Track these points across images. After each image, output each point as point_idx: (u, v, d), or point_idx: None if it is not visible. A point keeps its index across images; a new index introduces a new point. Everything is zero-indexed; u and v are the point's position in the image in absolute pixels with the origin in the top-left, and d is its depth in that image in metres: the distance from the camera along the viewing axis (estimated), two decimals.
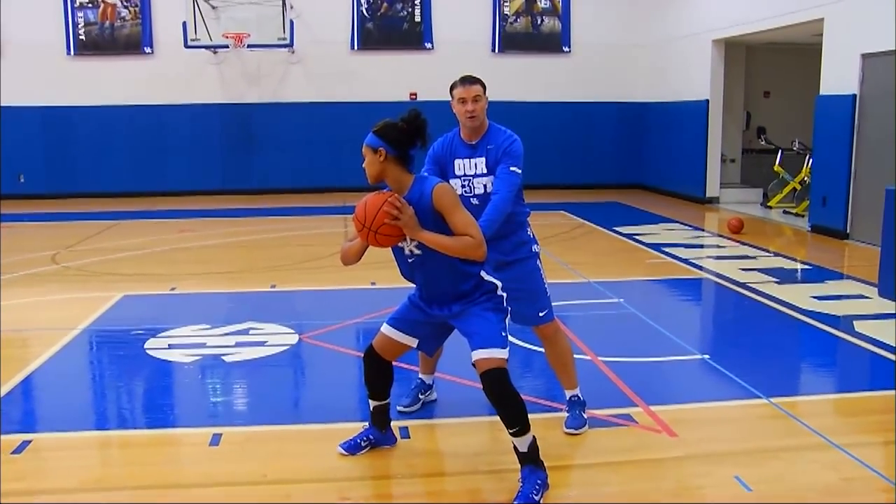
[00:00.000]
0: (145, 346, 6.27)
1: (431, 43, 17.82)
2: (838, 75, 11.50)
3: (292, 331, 6.65)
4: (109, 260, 10.09)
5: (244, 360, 5.93)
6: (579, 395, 4.68)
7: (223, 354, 6.04)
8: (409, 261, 3.94)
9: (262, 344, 6.33)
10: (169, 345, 6.31)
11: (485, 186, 4.46)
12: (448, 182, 4.20)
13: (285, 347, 6.27)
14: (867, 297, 7.87)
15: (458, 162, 4.50)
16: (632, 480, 3.99)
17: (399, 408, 4.81)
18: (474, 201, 4.47)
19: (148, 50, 17.22)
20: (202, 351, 6.14)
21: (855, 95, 11.12)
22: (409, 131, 3.81)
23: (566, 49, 18.21)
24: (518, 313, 4.47)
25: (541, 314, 4.57)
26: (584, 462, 4.24)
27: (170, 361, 5.95)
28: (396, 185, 3.82)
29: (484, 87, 4.48)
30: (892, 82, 10.40)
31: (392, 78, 17.62)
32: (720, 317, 8.09)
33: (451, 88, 4.50)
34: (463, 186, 4.48)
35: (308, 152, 17.67)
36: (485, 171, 4.45)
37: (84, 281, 8.93)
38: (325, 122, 17.59)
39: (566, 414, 4.64)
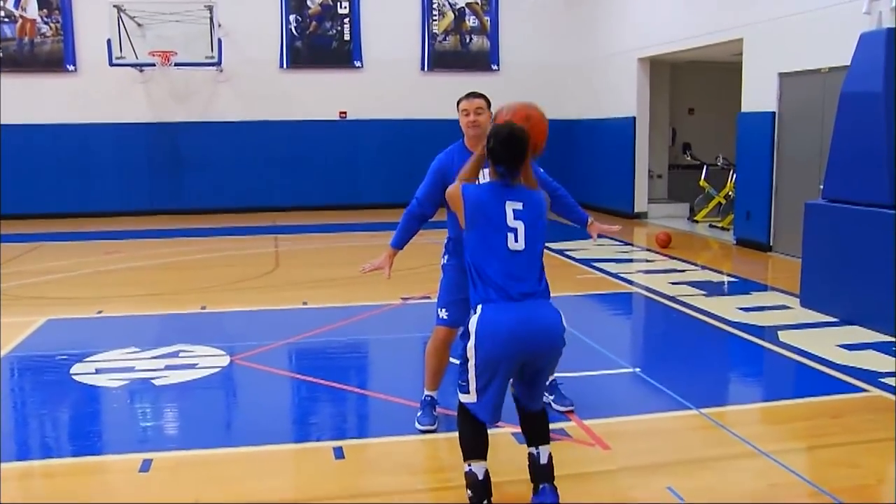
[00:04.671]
0: (71, 371, 6.09)
1: (361, 61, 17.83)
2: (758, 93, 11.86)
3: (223, 352, 6.54)
4: (33, 283, 9.80)
5: (174, 384, 5.81)
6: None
7: (152, 378, 5.91)
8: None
9: (192, 366, 6.21)
10: (96, 369, 6.15)
11: None
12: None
13: (216, 369, 6.16)
14: (790, 308, 8.11)
15: None
16: (566, 494, 4.01)
17: (420, 427, 4.82)
18: None
19: (71, 67, 16.86)
20: (131, 375, 6.00)
21: (774, 113, 11.47)
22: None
23: (495, 67, 18.40)
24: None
25: None
26: (517, 478, 4.25)
27: (97, 386, 5.79)
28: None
29: (488, 102, 4.74)
30: (808, 100, 10.77)
31: (322, 96, 17.60)
32: (651, 330, 8.23)
33: (458, 103, 4.77)
34: None
35: (237, 171, 17.47)
36: None
37: (6, 305, 8.63)
38: (254, 141, 17.45)
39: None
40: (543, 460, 3.83)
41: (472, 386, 3.70)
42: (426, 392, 4.93)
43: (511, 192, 3.74)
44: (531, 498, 3.80)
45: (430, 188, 4.66)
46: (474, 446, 3.82)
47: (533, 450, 3.85)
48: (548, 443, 3.87)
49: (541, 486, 3.80)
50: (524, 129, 3.78)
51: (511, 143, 3.73)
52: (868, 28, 7.55)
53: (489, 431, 3.81)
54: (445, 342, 4.81)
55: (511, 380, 3.78)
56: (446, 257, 4.82)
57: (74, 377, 5.97)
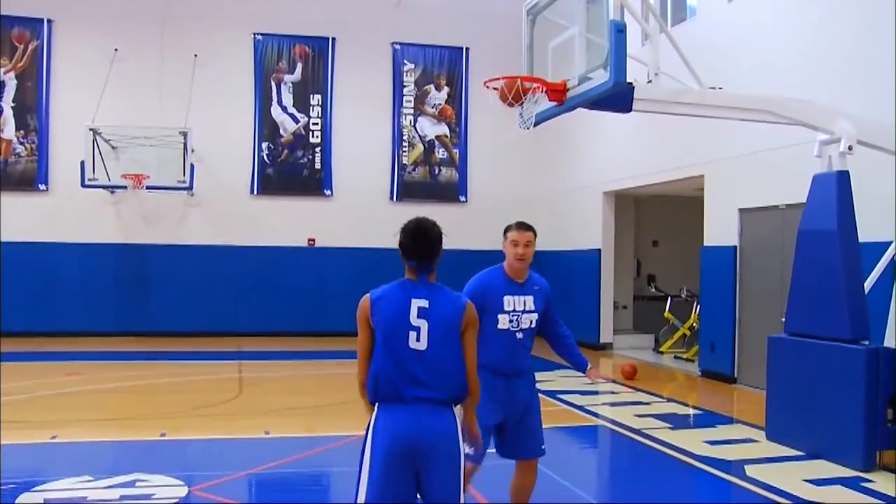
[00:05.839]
0: (17, 501, 5.85)
1: (331, 190, 18.12)
2: (719, 227, 12.18)
3: (181, 483, 6.35)
4: None
5: None
6: None
7: None
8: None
9: (148, 497, 6.01)
10: (45, 500, 5.92)
11: (531, 322, 4.76)
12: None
13: (173, 501, 5.96)
14: (756, 441, 8.11)
15: (507, 298, 4.75)
16: None
17: None
18: (519, 336, 4.74)
19: (43, 187, 16.95)
20: None
21: (735, 247, 11.75)
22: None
23: (463, 199, 18.77)
24: (525, 446, 4.77)
25: (542, 446, 4.90)
26: None
27: None
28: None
29: (535, 234, 4.89)
30: (767, 235, 11.07)
31: (291, 223, 17.79)
32: (616, 464, 8.14)
33: (506, 231, 4.91)
34: (511, 322, 4.72)
35: (204, 295, 17.40)
36: (532, 308, 4.78)
37: None
38: (222, 265, 17.46)
39: None
40: None
41: (362, 497, 3.56)
42: None
43: (419, 289, 3.69)
44: None
45: None
46: None
47: None
48: None
49: None
50: (434, 223, 3.81)
51: (419, 237, 3.75)
52: (820, 169, 7.85)
53: None
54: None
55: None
56: None
57: None
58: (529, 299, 4.81)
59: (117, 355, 14.39)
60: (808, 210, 7.91)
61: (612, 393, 11.47)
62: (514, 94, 7.07)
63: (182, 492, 6.15)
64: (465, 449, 3.66)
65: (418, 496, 3.64)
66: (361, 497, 3.57)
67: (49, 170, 17.02)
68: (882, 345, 7.33)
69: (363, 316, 3.71)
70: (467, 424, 3.77)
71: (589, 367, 5.09)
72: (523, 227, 4.87)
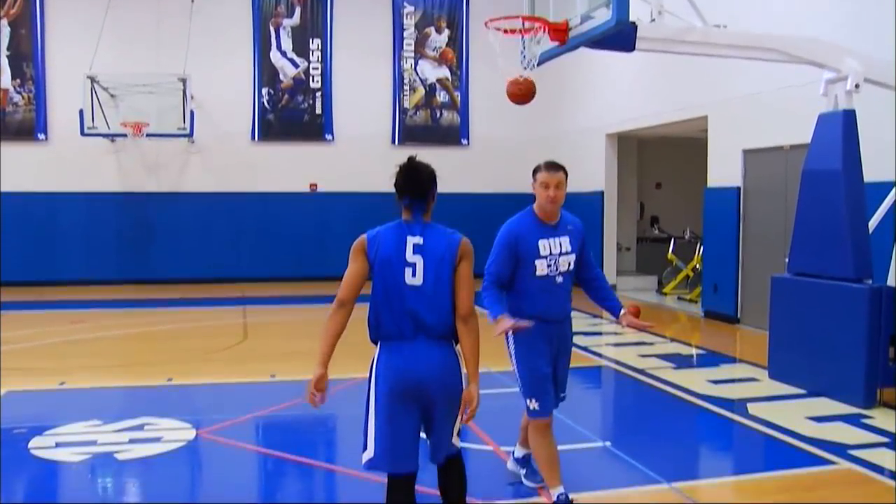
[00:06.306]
0: (29, 445, 5.93)
1: (332, 135, 18.01)
2: (723, 169, 12.10)
3: (189, 426, 6.43)
4: None
5: (138, 458, 5.69)
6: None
7: (115, 452, 5.78)
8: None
9: (157, 440, 6.09)
10: (56, 443, 6.01)
11: (569, 264, 4.58)
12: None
13: (182, 444, 6.04)
14: (758, 380, 8.16)
15: (542, 242, 4.54)
16: None
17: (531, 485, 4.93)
18: (559, 280, 4.57)
19: (42, 137, 16.86)
20: (92, 449, 5.86)
21: (739, 188, 11.70)
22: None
23: (465, 142, 18.66)
24: (556, 396, 4.69)
25: (563, 395, 4.82)
26: None
27: (56, 462, 5.65)
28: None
29: (566, 174, 4.63)
30: (771, 176, 11.01)
31: (292, 169, 17.71)
32: (621, 403, 8.21)
33: (535, 172, 4.65)
34: (549, 266, 4.52)
35: (207, 242, 17.42)
36: (569, 249, 4.60)
37: None
38: (224, 213, 17.45)
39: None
40: None
41: (371, 433, 3.63)
42: (554, 491, 4.58)
43: (413, 227, 3.72)
44: None
45: (505, 260, 4.51)
46: None
47: None
48: None
49: None
50: (427, 164, 3.78)
51: (410, 175, 3.74)
52: (825, 109, 7.76)
53: None
54: (547, 429, 4.60)
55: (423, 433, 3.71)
56: (512, 343, 4.66)
57: (32, 451, 5.82)
58: (565, 240, 4.60)
59: (121, 303, 14.46)
60: (812, 150, 7.85)
61: (616, 334, 11.53)
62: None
63: (190, 435, 6.23)
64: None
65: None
66: (371, 436, 3.62)
67: (48, 119, 16.91)
68: (885, 284, 7.33)
69: (360, 248, 3.74)
70: (469, 372, 3.68)
71: (623, 312, 4.81)
72: (553, 167, 4.59)
